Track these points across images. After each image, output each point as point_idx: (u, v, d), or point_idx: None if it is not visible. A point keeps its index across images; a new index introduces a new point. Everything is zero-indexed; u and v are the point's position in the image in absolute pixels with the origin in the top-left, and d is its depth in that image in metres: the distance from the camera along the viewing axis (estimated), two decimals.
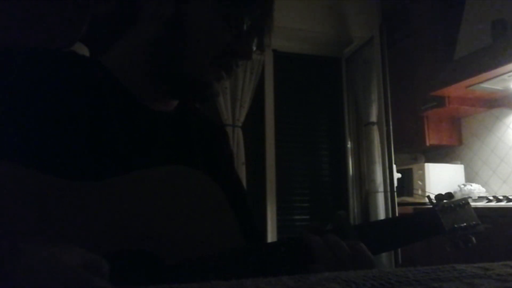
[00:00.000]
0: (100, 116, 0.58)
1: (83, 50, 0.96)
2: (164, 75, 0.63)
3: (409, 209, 2.56)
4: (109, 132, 0.58)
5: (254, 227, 0.74)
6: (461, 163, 2.80)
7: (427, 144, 2.74)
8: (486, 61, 2.12)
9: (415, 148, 2.96)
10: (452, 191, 0.77)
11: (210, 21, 0.61)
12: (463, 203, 0.74)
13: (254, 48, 0.67)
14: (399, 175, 2.71)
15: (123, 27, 0.64)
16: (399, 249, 2.50)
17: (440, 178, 2.64)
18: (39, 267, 0.33)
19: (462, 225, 0.71)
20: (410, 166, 2.78)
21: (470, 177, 2.73)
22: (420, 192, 2.63)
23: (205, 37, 0.61)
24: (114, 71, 0.62)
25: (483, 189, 2.50)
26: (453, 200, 0.74)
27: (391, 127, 2.71)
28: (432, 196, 0.76)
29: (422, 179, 2.64)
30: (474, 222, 0.72)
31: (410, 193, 2.71)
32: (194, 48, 0.61)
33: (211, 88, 0.64)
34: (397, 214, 2.62)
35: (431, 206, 0.74)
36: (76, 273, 0.34)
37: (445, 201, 0.73)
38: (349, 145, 3.28)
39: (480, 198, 2.33)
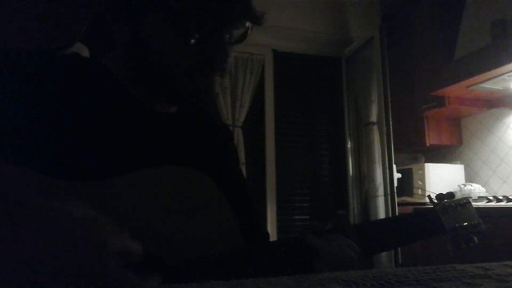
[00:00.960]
0: (101, 116, 0.58)
1: (83, 50, 0.96)
2: (152, 91, 0.63)
3: (409, 209, 2.56)
4: (111, 132, 0.58)
5: (258, 226, 0.74)
6: (461, 163, 2.80)
7: (427, 144, 2.74)
8: (486, 61, 2.12)
9: (415, 148, 2.96)
10: (452, 191, 0.76)
11: (166, 37, 0.59)
12: (464, 202, 0.74)
13: (249, 26, 0.63)
14: (399, 175, 2.71)
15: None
16: (399, 249, 2.50)
17: (440, 178, 2.64)
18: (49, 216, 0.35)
19: (464, 224, 0.70)
20: (410, 166, 2.78)
21: (470, 177, 2.73)
22: (420, 192, 2.63)
23: (169, 53, 0.59)
24: (115, 73, 0.63)
25: (483, 189, 2.50)
26: (454, 199, 0.74)
27: (391, 127, 2.71)
28: (433, 196, 0.75)
29: (422, 179, 2.63)
30: (475, 221, 0.72)
31: (410, 193, 2.71)
32: (163, 64, 0.60)
33: (205, 93, 0.62)
34: (397, 214, 2.62)
35: (431, 206, 0.74)
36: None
37: (446, 200, 0.73)
38: (349, 145, 3.28)
39: (480, 198, 2.33)
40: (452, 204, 0.72)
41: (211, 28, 0.59)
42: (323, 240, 0.57)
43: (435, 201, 0.74)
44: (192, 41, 0.59)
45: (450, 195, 0.74)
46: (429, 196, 0.76)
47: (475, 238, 0.71)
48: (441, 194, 0.74)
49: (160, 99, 0.65)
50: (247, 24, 0.62)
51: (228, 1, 0.59)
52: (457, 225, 0.70)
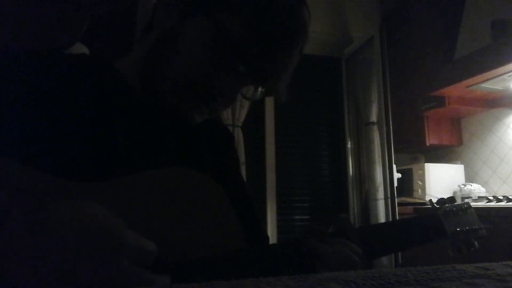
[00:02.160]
0: (104, 117, 0.58)
1: (83, 50, 0.96)
2: (151, 93, 0.62)
3: (409, 209, 2.56)
4: (114, 133, 0.58)
5: (259, 231, 0.74)
6: (461, 163, 2.80)
7: (427, 144, 2.74)
8: (486, 61, 2.12)
9: (415, 148, 2.96)
10: (452, 191, 0.77)
11: (200, 46, 0.57)
12: (466, 207, 0.74)
13: (248, 94, 0.63)
14: (399, 175, 2.71)
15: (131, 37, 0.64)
16: None
17: (440, 178, 2.64)
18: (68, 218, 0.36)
19: (465, 229, 0.71)
20: (410, 166, 2.78)
21: (470, 177, 2.73)
22: (420, 192, 2.63)
23: (190, 59, 0.58)
24: (125, 74, 0.63)
25: (483, 189, 2.50)
26: (455, 204, 0.74)
27: (391, 127, 2.71)
28: (434, 200, 0.75)
29: (422, 179, 2.63)
30: (476, 226, 0.72)
31: (410, 193, 2.71)
32: (176, 65, 0.58)
33: (186, 114, 0.60)
34: (397, 215, 2.62)
35: (431, 208, 0.74)
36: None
37: (447, 205, 0.73)
38: (349, 145, 3.28)
39: (480, 198, 2.33)
40: (454, 208, 0.72)
41: (240, 70, 0.58)
42: (326, 245, 0.57)
43: (437, 205, 0.74)
44: (219, 67, 0.57)
45: (451, 199, 0.74)
46: (430, 201, 0.76)
47: (476, 243, 0.71)
48: (442, 198, 0.74)
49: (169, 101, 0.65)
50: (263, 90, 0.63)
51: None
52: (458, 229, 0.70)
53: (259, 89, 0.64)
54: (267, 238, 0.75)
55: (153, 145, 0.62)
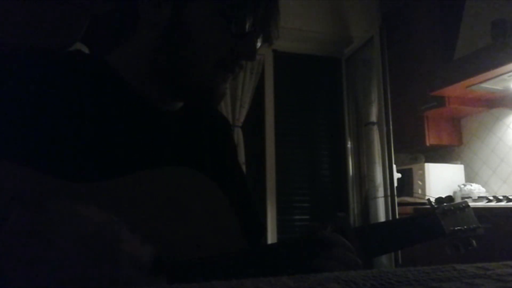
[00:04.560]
0: (104, 115, 0.58)
1: (83, 50, 0.96)
2: (167, 82, 0.62)
3: (409, 209, 2.56)
4: (114, 132, 0.58)
5: (258, 222, 0.74)
6: (461, 163, 2.80)
7: (427, 144, 2.74)
8: (486, 61, 2.12)
9: (415, 148, 2.96)
10: (452, 191, 0.77)
11: (210, 25, 0.59)
12: (463, 206, 0.74)
13: (260, 45, 0.64)
14: (399, 175, 2.71)
15: (125, 31, 0.63)
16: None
17: (440, 178, 2.64)
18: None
19: (462, 228, 0.71)
20: (410, 166, 2.78)
21: (470, 177, 2.73)
22: (420, 192, 2.63)
23: (207, 42, 0.59)
24: (119, 71, 0.62)
25: (483, 189, 2.50)
26: (453, 203, 0.74)
27: (391, 127, 2.71)
28: (432, 199, 0.76)
29: (422, 179, 2.63)
30: (474, 225, 0.72)
31: (410, 193, 2.71)
32: (196, 54, 0.59)
33: (217, 91, 0.62)
34: (397, 215, 2.62)
35: (430, 208, 0.74)
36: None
37: (445, 204, 0.73)
38: (349, 145, 3.28)
39: (480, 198, 2.33)
40: (452, 207, 0.73)
41: (251, 25, 0.60)
42: (334, 234, 0.58)
43: (435, 204, 0.74)
44: (233, 31, 0.59)
45: (449, 198, 0.75)
46: (428, 200, 0.77)
47: (474, 242, 0.72)
48: (440, 197, 0.75)
49: (168, 96, 0.65)
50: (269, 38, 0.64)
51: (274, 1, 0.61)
52: (456, 228, 0.71)
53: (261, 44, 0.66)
54: (264, 228, 0.76)
55: (152, 143, 0.62)
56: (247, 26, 0.60)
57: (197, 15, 0.59)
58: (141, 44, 0.62)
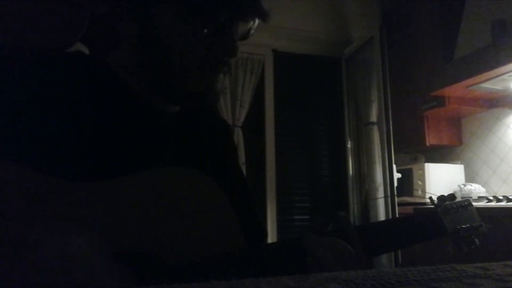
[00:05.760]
0: (105, 116, 0.58)
1: (83, 50, 0.96)
2: (160, 89, 0.62)
3: (409, 209, 2.56)
4: (114, 132, 0.58)
5: (258, 224, 0.74)
6: (461, 163, 2.80)
7: (427, 144, 2.74)
8: (486, 61, 2.12)
9: (415, 148, 2.96)
10: (452, 191, 0.76)
11: (178, 30, 0.58)
12: (466, 204, 0.73)
13: (256, 24, 0.62)
14: (399, 175, 2.71)
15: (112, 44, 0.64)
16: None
17: (440, 178, 2.64)
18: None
19: (465, 226, 0.70)
20: (410, 166, 2.78)
21: (470, 177, 2.73)
22: (420, 192, 2.63)
23: (181, 47, 0.58)
24: (119, 72, 0.62)
25: (483, 189, 2.50)
26: (455, 201, 0.73)
27: (391, 127, 2.71)
28: (434, 198, 0.75)
29: (422, 179, 2.63)
30: (477, 224, 0.71)
31: (410, 193, 2.71)
32: (175, 61, 0.59)
33: (210, 92, 0.62)
34: (397, 215, 2.62)
35: (432, 207, 0.73)
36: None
37: (447, 202, 0.73)
38: (349, 145, 3.28)
39: (480, 198, 2.33)
40: (454, 206, 0.72)
41: (224, 20, 0.58)
42: (320, 245, 0.57)
43: (437, 202, 0.73)
44: (205, 31, 0.58)
45: (451, 196, 0.74)
46: (430, 198, 0.76)
47: (477, 240, 0.70)
48: (442, 195, 0.73)
49: (164, 100, 0.65)
50: (255, 19, 0.62)
51: None
52: (458, 227, 0.70)
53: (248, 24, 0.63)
54: (265, 230, 0.75)
55: (152, 144, 0.62)
56: (220, 22, 0.58)
57: (163, 23, 0.58)
58: (130, 53, 0.62)
